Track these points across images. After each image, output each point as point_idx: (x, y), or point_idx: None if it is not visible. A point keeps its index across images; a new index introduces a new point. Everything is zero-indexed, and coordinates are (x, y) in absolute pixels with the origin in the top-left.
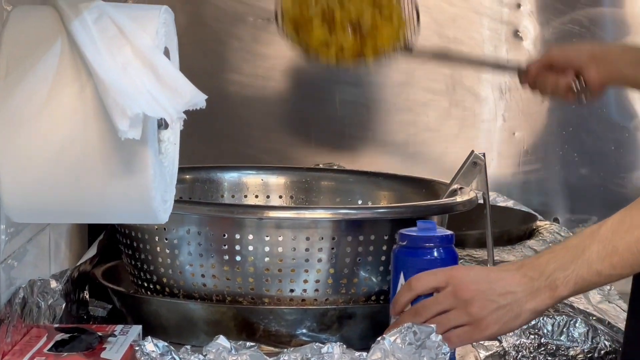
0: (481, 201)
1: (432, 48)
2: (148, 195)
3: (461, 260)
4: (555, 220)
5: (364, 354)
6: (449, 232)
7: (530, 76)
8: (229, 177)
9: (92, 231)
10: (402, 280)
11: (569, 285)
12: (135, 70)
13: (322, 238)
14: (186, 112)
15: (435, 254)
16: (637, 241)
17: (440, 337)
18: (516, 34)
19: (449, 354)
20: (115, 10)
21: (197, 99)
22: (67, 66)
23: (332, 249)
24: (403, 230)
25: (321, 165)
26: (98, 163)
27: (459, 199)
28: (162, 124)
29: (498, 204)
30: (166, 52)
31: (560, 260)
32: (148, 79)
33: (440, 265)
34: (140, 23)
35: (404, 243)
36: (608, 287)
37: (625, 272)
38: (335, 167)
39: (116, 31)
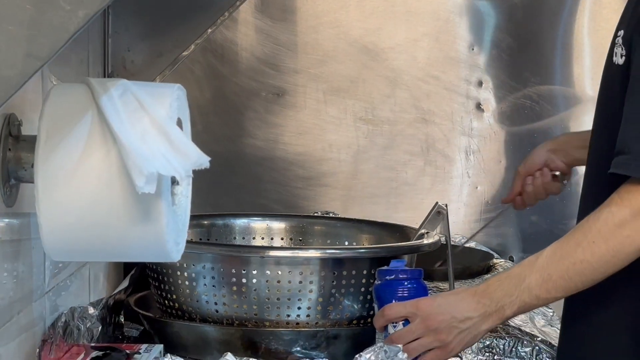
0: (444, 242)
1: None
2: (162, 239)
3: (430, 291)
4: (510, 258)
5: None
6: (418, 268)
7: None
8: (239, 222)
9: (127, 266)
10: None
11: (514, 308)
12: (151, 138)
13: (313, 273)
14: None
15: (407, 285)
16: (567, 269)
17: (405, 355)
18: (479, 107)
19: None
20: (136, 87)
21: (201, 160)
22: (96, 134)
23: (321, 282)
24: (380, 269)
25: (319, 213)
26: (121, 213)
27: (425, 241)
28: (175, 181)
29: (462, 245)
30: (179, 122)
31: (506, 288)
32: (162, 145)
33: (414, 295)
34: (157, 98)
35: (381, 279)
36: (551, 313)
37: (559, 295)
38: (331, 215)
39: (137, 105)
